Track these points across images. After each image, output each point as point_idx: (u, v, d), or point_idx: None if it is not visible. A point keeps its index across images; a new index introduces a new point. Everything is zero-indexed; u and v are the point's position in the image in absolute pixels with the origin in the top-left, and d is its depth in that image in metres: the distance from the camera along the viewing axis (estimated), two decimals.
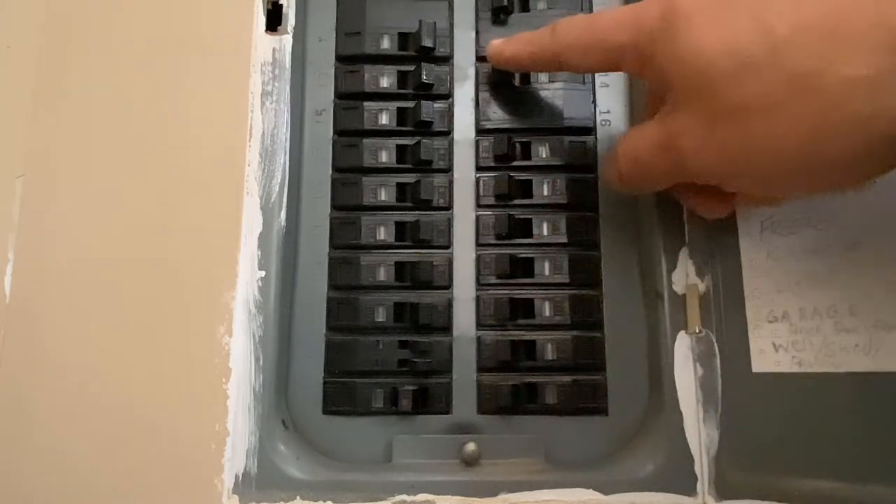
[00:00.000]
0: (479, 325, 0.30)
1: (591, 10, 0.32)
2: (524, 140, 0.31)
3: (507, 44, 0.29)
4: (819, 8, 0.20)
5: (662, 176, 0.26)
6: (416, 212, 0.31)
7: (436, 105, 0.31)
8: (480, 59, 0.32)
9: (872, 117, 0.20)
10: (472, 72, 0.32)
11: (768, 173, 0.23)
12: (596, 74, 0.32)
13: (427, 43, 0.31)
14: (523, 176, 0.31)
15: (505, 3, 0.31)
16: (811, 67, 0.20)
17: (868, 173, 0.22)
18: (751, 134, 0.22)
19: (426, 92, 0.31)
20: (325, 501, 0.27)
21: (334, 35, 0.32)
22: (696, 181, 0.25)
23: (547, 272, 0.30)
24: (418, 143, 0.31)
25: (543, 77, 0.32)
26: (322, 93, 0.32)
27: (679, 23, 0.23)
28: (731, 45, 0.21)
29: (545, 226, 0.31)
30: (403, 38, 0.32)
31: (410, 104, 0.31)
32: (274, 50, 0.30)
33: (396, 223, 0.31)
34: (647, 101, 0.29)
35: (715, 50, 0.22)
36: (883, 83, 0.19)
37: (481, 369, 0.30)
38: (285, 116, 0.30)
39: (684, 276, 0.29)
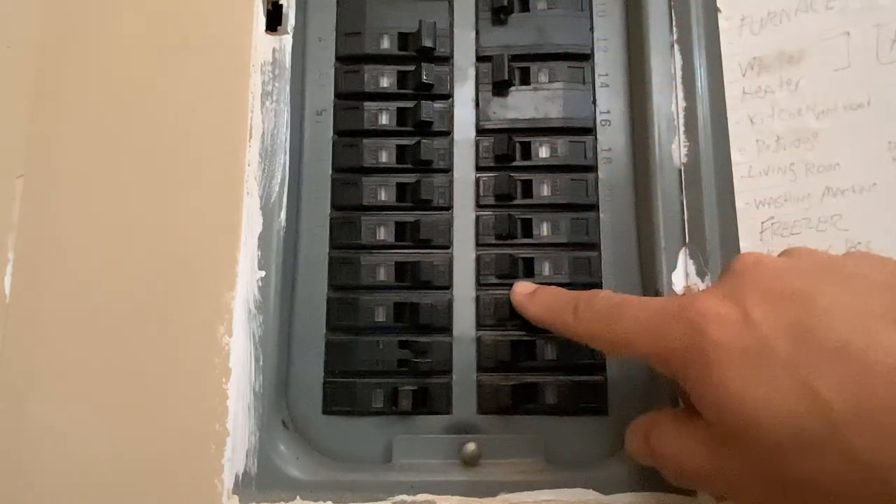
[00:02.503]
0: (479, 325, 0.30)
1: (590, 11, 0.32)
2: (524, 140, 0.31)
3: (531, 303, 0.28)
4: (882, 390, 0.18)
5: (703, 487, 0.25)
6: (416, 212, 0.31)
7: (436, 105, 0.31)
8: (480, 59, 0.32)
9: None
10: (472, 72, 0.32)
11: None
12: (595, 73, 0.32)
13: (427, 43, 0.31)
14: (523, 176, 0.31)
15: (505, 2, 0.31)
16: (879, 458, 0.18)
17: None
18: None
19: (426, 92, 0.31)
20: (325, 501, 0.27)
21: (334, 35, 0.32)
22: None
23: (547, 272, 0.30)
24: (418, 143, 0.31)
25: (543, 77, 0.32)
26: (322, 93, 0.32)
27: (709, 358, 0.20)
28: (782, 413, 0.19)
29: (545, 226, 0.31)
30: (403, 38, 0.32)
31: (410, 104, 0.31)
32: (274, 50, 0.30)
33: (396, 223, 0.31)
34: (679, 391, 0.27)
35: (761, 412, 0.19)
36: None
37: (481, 369, 0.30)
38: (285, 116, 0.30)
39: (684, 276, 0.29)
